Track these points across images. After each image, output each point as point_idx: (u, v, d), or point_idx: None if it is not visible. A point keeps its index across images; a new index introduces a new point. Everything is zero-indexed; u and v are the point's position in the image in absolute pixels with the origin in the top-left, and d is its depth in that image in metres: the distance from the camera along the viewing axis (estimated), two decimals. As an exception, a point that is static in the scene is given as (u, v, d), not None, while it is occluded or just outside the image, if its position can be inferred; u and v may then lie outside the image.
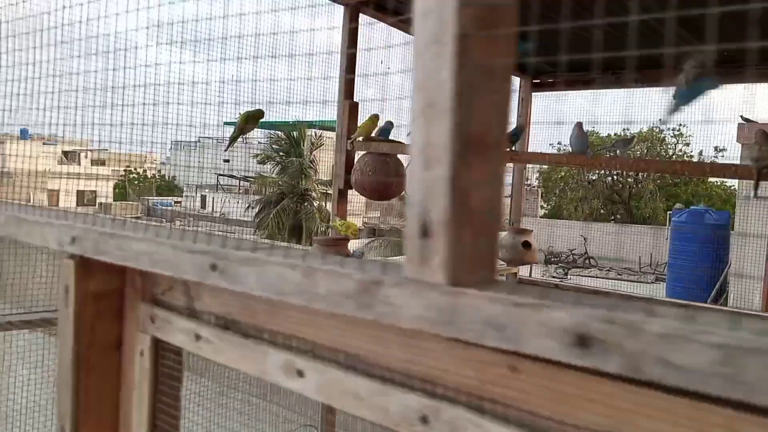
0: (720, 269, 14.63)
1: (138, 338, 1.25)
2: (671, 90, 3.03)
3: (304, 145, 23.40)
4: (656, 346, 0.53)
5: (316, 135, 23.88)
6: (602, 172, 25.30)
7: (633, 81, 5.19)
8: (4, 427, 4.20)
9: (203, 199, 23.94)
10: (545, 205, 26.09)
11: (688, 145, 22.95)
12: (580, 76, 5.92)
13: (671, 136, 23.56)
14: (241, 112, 4.00)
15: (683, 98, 2.85)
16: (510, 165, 5.66)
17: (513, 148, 4.04)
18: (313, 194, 23.68)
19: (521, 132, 4.03)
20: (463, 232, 0.72)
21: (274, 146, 23.62)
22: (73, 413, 1.25)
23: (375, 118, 4.56)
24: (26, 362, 4.26)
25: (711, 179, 23.11)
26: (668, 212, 21.58)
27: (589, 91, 6.02)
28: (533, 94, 6.36)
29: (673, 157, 22.15)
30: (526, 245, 6.16)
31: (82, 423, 1.26)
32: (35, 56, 1.97)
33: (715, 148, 20.46)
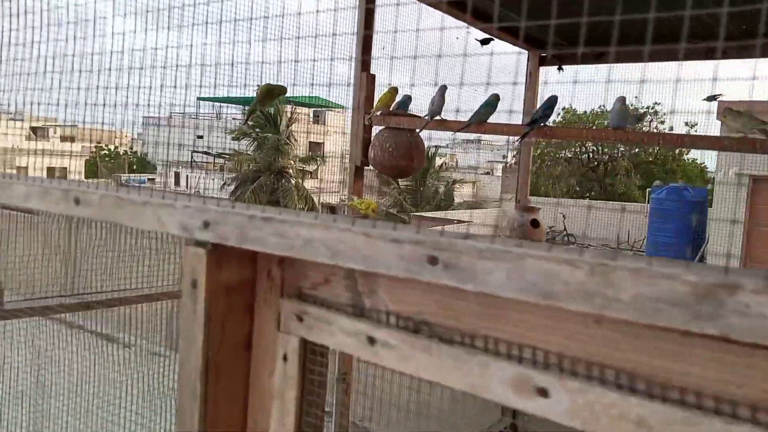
0: (698, 245, 14.89)
1: (278, 339, 1.06)
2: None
3: (280, 122, 22.96)
4: None
5: (291, 111, 23.44)
6: (578, 149, 25.46)
7: (646, 55, 5.09)
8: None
9: (176, 176, 23.35)
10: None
11: (662, 122, 23.19)
12: (591, 50, 5.78)
13: (647, 112, 23.76)
14: (261, 85, 3.76)
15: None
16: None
17: (546, 123, 3.90)
18: (290, 171, 23.31)
19: (554, 105, 3.88)
20: None
21: (249, 122, 23.12)
22: (200, 426, 1.06)
23: (394, 90, 4.36)
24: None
25: (686, 157, 23.47)
26: (643, 190, 21.89)
27: (597, 66, 5.90)
28: (541, 68, 6.23)
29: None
30: (535, 224, 6.08)
31: (210, 438, 1.07)
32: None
33: (686, 123, 20.74)
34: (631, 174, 23.62)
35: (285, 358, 1.06)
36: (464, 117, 4.19)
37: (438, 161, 23.24)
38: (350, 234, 0.85)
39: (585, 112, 24.92)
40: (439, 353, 0.87)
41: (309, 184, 23.86)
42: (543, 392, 0.78)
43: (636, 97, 17.03)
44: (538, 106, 4.59)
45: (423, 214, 18.44)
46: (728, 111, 3.68)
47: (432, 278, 0.79)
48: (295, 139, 23.53)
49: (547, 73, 6.55)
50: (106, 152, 28.41)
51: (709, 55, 4.75)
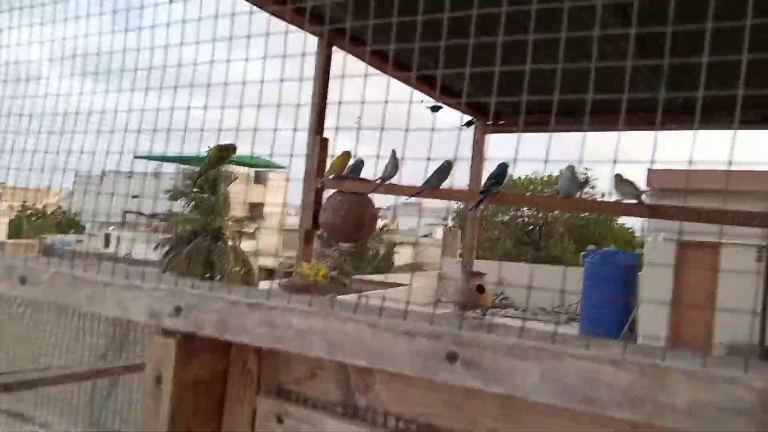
0: (630, 309, 15.34)
1: (254, 442, 0.94)
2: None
3: (221, 183, 22.61)
4: None
5: (232, 173, 23.17)
6: (513, 212, 26.21)
7: (588, 125, 5.29)
8: None
9: (107, 237, 22.38)
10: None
11: (593, 188, 24.20)
12: (535, 120, 5.98)
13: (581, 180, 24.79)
14: (211, 146, 3.64)
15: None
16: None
17: (497, 190, 3.93)
18: (227, 233, 22.82)
19: (505, 172, 3.94)
20: None
21: (187, 182, 22.67)
22: None
23: (347, 155, 4.33)
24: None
25: (617, 222, 24.49)
26: (578, 253, 22.56)
27: (544, 134, 6.10)
28: (486, 135, 6.39)
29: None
30: (480, 289, 6.08)
31: None
32: None
33: (615, 189, 21.66)
34: (565, 238, 24.35)
35: (263, 463, 0.93)
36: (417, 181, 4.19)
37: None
38: (352, 325, 0.76)
39: (519, 177, 25.79)
40: (450, 460, 0.77)
41: (247, 245, 23.38)
42: (575, 508, 0.69)
43: (566, 165, 17.68)
44: (489, 173, 4.66)
45: (363, 277, 18.29)
46: (617, 177, 3.84)
47: (451, 378, 0.70)
48: (235, 201, 23.20)
49: (493, 139, 6.73)
50: (33, 211, 26.99)
51: (647, 127, 5.00)
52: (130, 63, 1.47)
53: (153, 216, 23.59)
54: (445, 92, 5.35)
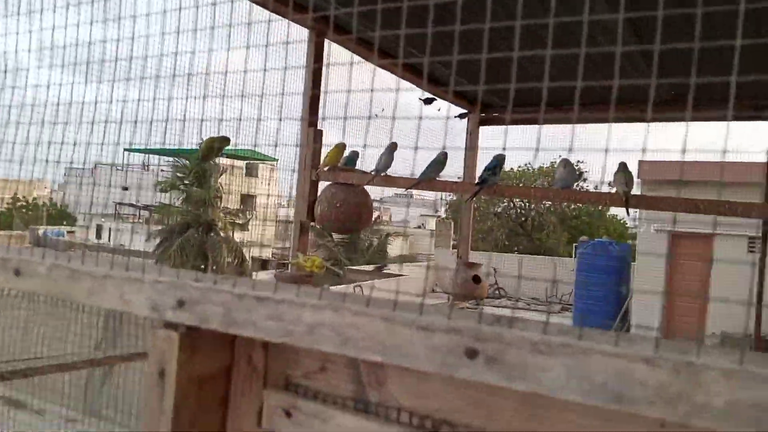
0: (623, 299, 15.42)
1: (261, 439, 0.90)
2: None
3: (212, 174, 22.49)
4: None
5: (222, 164, 23.01)
6: (506, 204, 26.25)
7: (578, 116, 5.25)
8: None
9: (98, 229, 22.25)
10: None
11: (585, 180, 24.27)
12: (526, 112, 5.94)
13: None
14: (204, 138, 3.60)
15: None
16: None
17: (495, 182, 3.90)
18: (219, 224, 22.69)
19: (502, 163, 3.91)
20: None
21: (178, 174, 22.55)
22: None
23: (342, 146, 4.29)
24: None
25: (609, 213, 24.58)
26: (571, 244, 22.65)
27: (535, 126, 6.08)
28: (480, 127, 6.36)
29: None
30: (477, 280, 6.07)
31: None
32: None
33: (609, 184, 21.70)
34: (558, 229, 24.43)
35: (270, 461, 0.90)
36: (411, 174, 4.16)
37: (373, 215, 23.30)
38: (366, 318, 0.73)
39: (512, 169, 25.80)
40: (467, 459, 0.74)
41: (239, 237, 23.30)
42: None
43: (559, 155, 17.78)
44: (485, 164, 4.63)
45: (357, 268, 18.29)
46: (621, 166, 3.78)
47: (471, 375, 0.67)
48: (225, 192, 23.08)
49: (486, 132, 6.71)
50: (23, 203, 26.76)
51: (639, 119, 4.98)
52: (111, 54, 1.43)
53: (145, 208, 23.47)
54: (438, 84, 5.31)
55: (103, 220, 22.48)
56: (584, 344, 0.61)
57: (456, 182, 4.31)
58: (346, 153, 4.33)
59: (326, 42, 4.22)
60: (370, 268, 18.45)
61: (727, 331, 12.53)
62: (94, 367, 3.95)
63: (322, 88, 4.18)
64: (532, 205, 25.71)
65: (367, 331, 0.72)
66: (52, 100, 1.48)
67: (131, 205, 21.69)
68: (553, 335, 0.63)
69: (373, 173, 4.22)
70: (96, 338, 4.18)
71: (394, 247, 25.79)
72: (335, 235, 21.07)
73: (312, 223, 4.47)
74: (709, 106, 4.50)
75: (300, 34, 4.31)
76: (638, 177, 15.13)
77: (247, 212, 23.77)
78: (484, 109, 6.19)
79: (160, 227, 22.84)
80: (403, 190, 5.43)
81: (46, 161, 1.44)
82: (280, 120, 1.25)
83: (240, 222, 23.87)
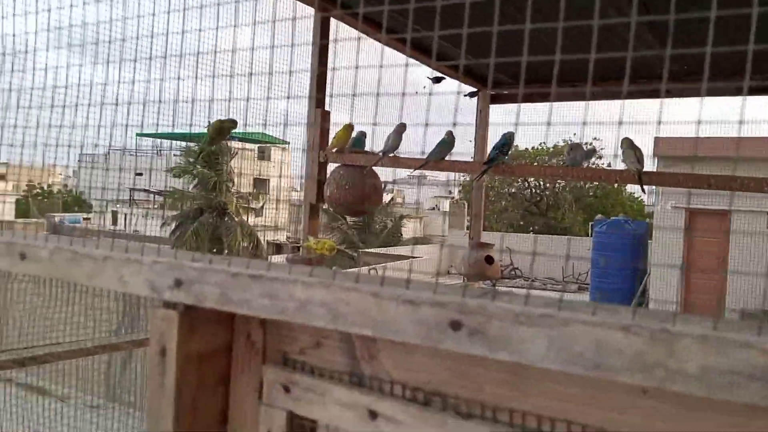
0: (641, 277, 15.35)
1: (260, 413, 0.93)
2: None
3: (222, 158, 22.55)
4: None
5: (233, 148, 23.05)
6: (520, 183, 26.11)
7: (591, 94, 5.19)
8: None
9: (114, 215, 22.48)
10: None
11: (600, 158, 24.04)
12: (537, 89, 5.88)
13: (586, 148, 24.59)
14: (212, 121, 3.62)
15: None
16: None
17: (504, 161, 3.90)
18: (231, 208, 22.75)
19: (511, 142, 3.89)
20: None
21: (190, 159, 22.65)
22: None
23: (349, 128, 4.29)
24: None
25: (626, 191, 24.36)
26: (587, 223, 22.52)
27: (546, 103, 6.03)
28: (491, 105, 6.31)
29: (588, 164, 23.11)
30: (489, 260, 6.07)
31: None
32: None
33: (622, 155, 21.46)
34: (573, 208, 24.28)
35: (269, 434, 0.92)
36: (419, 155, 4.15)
37: (386, 197, 23.29)
38: (356, 294, 0.75)
39: (527, 149, 25.61)
40: (457, 429, 0.76)
41: (253, 221, 23.43)
42: (583, 475, 0.68)
43: (575, 134, 17.63)
44: (493, 143, 4.61)
45: (371, 250, 18.35)
46: (625, 142, 3.71)
47: (455, 346, 0.68)
48: (237, 175, 23.16)
49: (497, 110, 6.67)
50: (39, 191, 27.11)
51: (652, 94, 4.91)
52: (115, 35, 1.44)
53: (159, 193, 23.65)
54: (446, 62, 5.27)
55: (118, 206, 22.70)
56: (564, 315, 0.63)
57: (464, 162, 4.30)
58: (354, 134, 4.33)
59: (332, 20, 4.21)
60: (384, 251, 18.48)
61: (747, 308, 12.45)
62: (114, 352, 4.02)
63: (329, 66, 4.18)
64: (547, 185, 25.56)
65: (357, 306, 0.74)
66: (60, 83, 1.50)
67: (145, 190, 21.87)
68: (535, 307, 0.65)
69: (380, 154, 4.23)
70: (115, 323, 4.27)
71: (408, 229, 25.82)
72: (349, 219, 21.14)
73: (322, 205, 4.50)
74: (721, 79, 4.44)
75: (306, 11, 4.30)
76: (654, 153, 14.96)
77: (260, 196, 23.86)
78: (494, 87, 6.14)
79: (174, 213, 23.04)
80: (417, 171, 5.42)
81: (54, 145, 1.46)
82: (288, 98, 1.26)
83: (254, 207, 23.98)
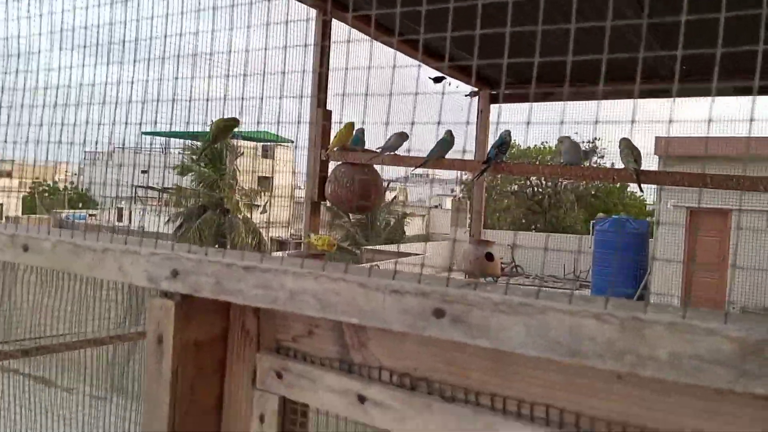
0: (641, 276, 15.36)
1: (254, 398, 0.96)
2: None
3: (227, 157, 22.60)
4: None
5: (238, 146, 23.09)
6: (522, 182, 26.09)
7: (599, 94, 5.20)
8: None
9: (119, 211, 22.58)
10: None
11: (602, 157, 24.02)
12: (538, 89, 5.89)
13: (586, 148, 24.57)
14: (214, 120, 3.65)
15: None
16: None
17: (503, 159, 3.92)
18: (238, 205, 22.81)
19: (508, 140, 3.92)
20: None
21: (193, 157, 22.72)
22: (166, 502, 0.94)
23: (351, 126, 4.32)
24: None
25: (628, 190, 24.34)
26: (588, 222, 22.52)
27: (548, 103, 6.04)
28: (491, 105, 6.34)
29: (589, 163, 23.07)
30: (489, 257, 6.10)
31: None
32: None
33: (620, 155, 21.45)
34: (575, 207, 24.28)
35: (262, 419, 0.95)
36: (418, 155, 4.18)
37: (389, 195, 23.31)
38: (344, 284, 0.78)
39: (529, 147, 25.60)
40: (441, 412, 0.79)
41: (258, 218, 23.48)
42: (564, 457, 0.71)
43: (576, 133, 17.62)
44: (491, 142, 4.63)
45: (374, 247, 18.38)
46: (623, 142, 3.73)
47: (438, 333, 0.71)
48: (240, 173, 23.18)
49: (499, 110, 6.69)
50: (45, 188, 27.27)
51: (652, 94, 4.93)
52: (130, 35, 1.46)
53: (163, 190, 23.71)
54: (449, 62, 5.29)
55: (123, 203, 22.78)
56: (541, 303, 0.65)
57: (464, 161, 4.33)
58: (355, 132, 4.35)
59: (333, 22, 4.24)
60: (387, 248, 18.51)
61: (747, 306, 12.48)
62: (118, 343, 4.06)
63: (331, 66, 4.20)
64: (548, 183, 25.53)
65: (345, 296, 0.77)
66: (64, 82, 1.53)
67: (150, 188, 21.94)
68: (514, 296, 0.68)
69: (379, 150, 4.26)
70: (119, 316, 4.32)
71: (412, 227, 25.85)
72: (352, 216, 21.16)
73: (324, 202, 4.53)
74: (722, 79, 4.45)
75: (308, 13, 4.33)
76: (655, 152, 14.96)
77: (263, 193, 23.89)
78: (494, 86, 6.16)
79: (179, 210, 23.11)
80: (420, 169, 5.44)
81: (74, 144, 1.49)
82: (301, 98, 1.28)
83: (257, 204, 24.01)
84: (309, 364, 0.91)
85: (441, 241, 22.01)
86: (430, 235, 25.02)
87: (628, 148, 3.59)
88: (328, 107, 4.41)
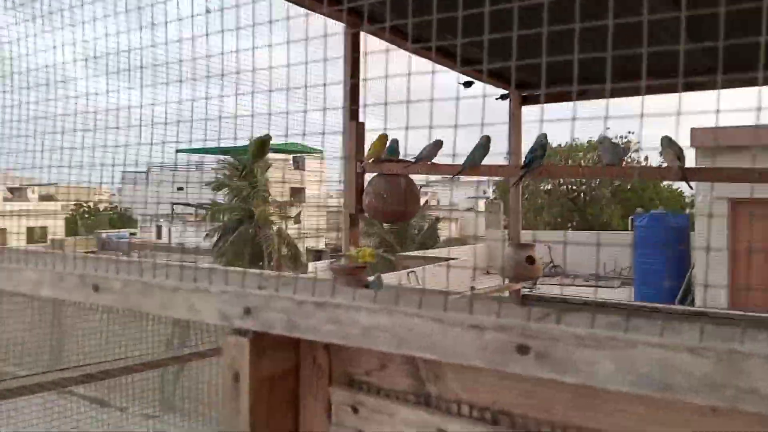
0: (684, 270, 14.99)
1: (329, 433, 0.97)
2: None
3: (258, 170, 22.83)
4: None
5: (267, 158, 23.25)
6: (557, 181, 25.78)
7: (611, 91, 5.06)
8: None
9: (158, 229, 23.04)
10: (506, 217, 26.28)
11: (637, 151, 23.58)
12: (569, 89, 5.78)
13: (621, 144, 24.16)
14: (252, 139, 3.70)
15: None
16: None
17: (540, 164, 3.88)
18: (271, 218, 23.01)
19: (545, 144, 3.87)
20: None
21: (225, 172, 23.07)
22: None
23: (384, 138, 4.32)
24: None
25: (663, 183, 23.83)
26: (625, 218, 22.10)
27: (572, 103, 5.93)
28: (523, 107, 6.27)
29: (625, 163, 22.66)
30: (530, 260, 6.02)
31: None
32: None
33: (660, 153, 21.02)
34: (611, 203, 23.87)
35: (338, 453, 0.96)
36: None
37: (421, 200, 23.26)
38: (418, 320, 0.77)
39: (559, 145, 25.28)
40: (525, 447, 0.78)
41: (293, 230, 23.68)
42: (655, 491, 0.70)
43: (608, 128, 17.29)
44: (529, 146, 4.58)
45: (408, 253, 18.34)
46: (665, 140, 3.63)
47: (522, 370, 0.71)
48: (273, 185, 23.44)
49: (529, 112, 6.61)
50: (86, 209, 28.03)
51: (672, 88, 4.81)
52: (159, 59, 1.49)
53: (200, 207, 24.14)
54: (473, 66, 5.26)
55: (161, 220, 23.24)
56: (629, 336, 0.64)
57: (502, 166, 4.29)
58: (387, 143, 4.36)
59: (362, 34, 4.25)
60: (422, 253, 18.46)
61: (797, 299, 12.04)
62: (168, 366, 4.14)
63: (361, 77, 4.21)
64: (583, 180, 25.17)
65: (420, 332, 0.77)
66: (100, 106, 1.58)
67: (187, 204, 22.34)
68: (600, 329, 0.67)
69: (413, 160, 4.26)
70: (168, 335, 4.41)
71: (444, 231, 25.74)
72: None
73: (361, 215, 4.54)
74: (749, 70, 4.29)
75: (336, 27, 4.35)
76: (691, 144, 14.61)
77: (297, 204, 24.10)
78: (524, 88, 6.10)
79: (216, 225, 23.47)
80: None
81: (111, 166, 1.53)
82: (325, 110, 1.29)
83: (291, 216, 24.22)
84: (383, 398, 0.91)
85: (474, 245, 21.85)
86: (464, 239, 24.87)
87: (669, 147, 3.51)
88: (361, 119, 4.42)
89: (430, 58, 4.34)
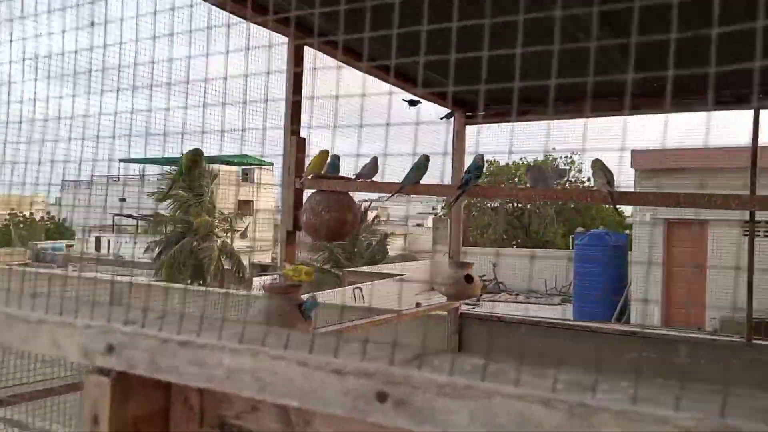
0: (621, 288, 15.46)
1: (200, 479, 0.90)
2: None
3: (204, 182, 22.37)
4: None
5: (212, 169, 22.85)
6: (504, 199, 26.23)
7: (555, 112, 5.21)
8: None
9: (97, 241, 22.26)
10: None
11: (580, 171, 24.26)
12: (508, 109, 5.90)
13: (563, 164, 24.81)
14: (184, 152, 3.60)
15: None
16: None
17: (476, 184, 3.91)
18: (201, 231, 22.35)
19: (482, 164, 3.91)
20: None
21: (162, 187, 22.50)
22: None
23: (325, 154, 4.28)
24: None
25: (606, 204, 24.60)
26: (567, 236, 22.66)
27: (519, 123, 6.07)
28: (467, 127, 6.35)
29: (567, 183, 23.29)
30: (469, 279, 6.06)
31: None
32: None
33: (591, 176, 21.69)
34: (555, 221, 24.44)
35: (209, 501, 0.89)
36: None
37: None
38: (282, 363, 0.72)
39: (507, 164, 25.78)
40: (392, 497, 0.74)
41: (238, 244, 23.25)
42: None
43: (554, 148, 17.78)
44: (467, 165, 4.62)
45: (356, 269, 18.26)
46: (595, 164, 3.74)
47: (381, 419, 0.66)
48: (220, 198, 23.02)
49: (474, 130, 6.70)
50: (21, 219, 26.83)
51: (621, 110, 4.97)
52: (97, 64, 1.40)
53: (142, 218, 23.46)
54: (424, 86, 5.31)
55: (101, 232, 22.47)
56: (486, 386, 0.61)
57: (440, 185, 4.31)
58: (329, 159, 4.32)
59: (306, 49, 4.21)
60: (369, 269, 18.41)
61: (725, 316, 12.57)
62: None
63: (304, 94, 4.17)
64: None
65: (283, 376, 0.72)
66: (32, 113, 1.47)
67: (129, 216, 21.68)
68: (458, 375, 0.63)
69: (354, 177, 4.23)
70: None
71: (394, 247, 25.77)
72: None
73: (299, 232, 4.47)
74: (690, 96, 4.50)
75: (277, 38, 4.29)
76: (631, 166, 15.15)
77: (243, 218, 23.71)
78: (469, 108, 6.18)
79: (156, 238, 22.84)
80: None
81: (49, 180, 1.43)
82: (284, 128, 1.24)
83: (237, 229, 23.80)
84: (254, 442, 0.86)
85: (422, 261, 21.95)
86: (413, 254, 24.97)
87: (601, 170, 3.60)
88: (305, 134, 4.37)
89: (382, 78, 4.34)
